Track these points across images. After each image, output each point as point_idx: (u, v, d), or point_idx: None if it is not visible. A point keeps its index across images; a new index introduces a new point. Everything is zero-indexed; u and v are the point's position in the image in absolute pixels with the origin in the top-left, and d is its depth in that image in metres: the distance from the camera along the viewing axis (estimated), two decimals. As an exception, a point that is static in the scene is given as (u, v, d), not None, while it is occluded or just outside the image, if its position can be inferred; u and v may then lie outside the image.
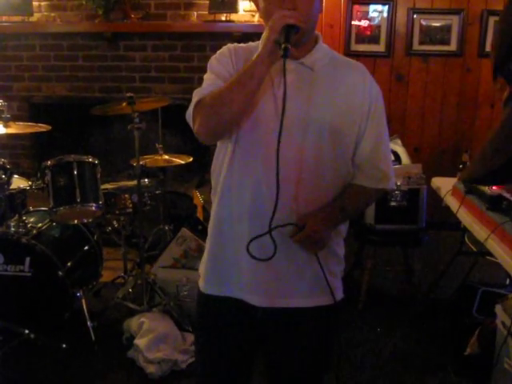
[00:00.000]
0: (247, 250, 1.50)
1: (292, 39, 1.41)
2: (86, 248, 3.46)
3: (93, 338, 3.07)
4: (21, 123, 3.49)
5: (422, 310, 3.51)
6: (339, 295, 1.72)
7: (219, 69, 1.61)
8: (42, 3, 4.80)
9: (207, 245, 1.75)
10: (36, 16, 4.79)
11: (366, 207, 3.00)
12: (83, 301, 3.19)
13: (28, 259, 3.03)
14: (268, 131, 1.52)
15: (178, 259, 3.44)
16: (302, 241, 1.56)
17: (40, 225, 3.27)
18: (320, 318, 1.70)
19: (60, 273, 3.05)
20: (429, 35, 4.78)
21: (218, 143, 1.68)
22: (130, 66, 4.88)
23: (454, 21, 4.72)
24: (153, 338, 2.96)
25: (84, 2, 4.62)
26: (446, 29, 4.76)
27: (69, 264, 3.19)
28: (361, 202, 1.77)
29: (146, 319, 3.06)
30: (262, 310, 1.63)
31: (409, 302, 3.64)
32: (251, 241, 1.50)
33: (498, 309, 2.50)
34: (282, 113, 1.39)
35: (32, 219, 3.33)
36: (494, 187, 2.49)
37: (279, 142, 1.39)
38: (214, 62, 1.65)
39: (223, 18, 4.60)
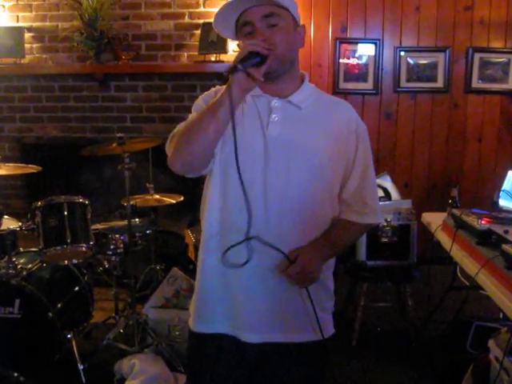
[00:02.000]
0: (222, 259, 1.54)
1: (250, 64, 1.44)
2: (77, 289, 3.43)
3: (83, 380, 3.02)
4: (11, 164, 3.51)
5: (415, 346, 3.49)
6: (330, 330, 1.73)
7: (203, 108, 1.64)
8: (34, 45, 4.86)
9: (197, 283, 1.75)
10: (28, 58, 4.84)
11: (354, 241, 3.07)
12: (74, 342, 3.14)
13: (18, 301, 2.99)
14: (256, 169, 1.56)
15: (169, 299, 3.42)
16: (293, 275, 1.56)
17: (30, 266, 3.25)
18: (311, 353, 1.70)
19: (50, 314, 3.02)
20: (416, 72, 4.86)
21: (206, 183, 1.69)
22: (121, 106, 4.92)
23: (440, 58, 4.81)
24: (144, 379, 2.91)
25: (75, 44, 4.67)
26: (433, 66, 4.84)
27: (59, 305, 3.16)
28: (350, 237, 1.79)
29: (137, 360, 3.02)
30: (253, 345, 1.63)
31: (402, 337, 3.61)
32: (228, 249, 1.54)
33: (491, 343, 2.49)
34: (234, 138, 1.46)
35: (22, 260, 3.31)
36: (483, 222, 2.51)
37: (239, 168, 1.48)
38: (199, 101, 1.72)
39: (213, 59, 4.67)
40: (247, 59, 1.44)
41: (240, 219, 1.54)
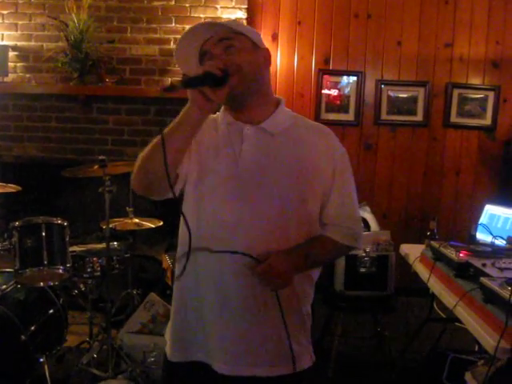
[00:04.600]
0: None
1: (201, 85, 1.43)
2: (51, 312, 3.37)
3: (54, 406, 2.97)
4: (-11, 183, 3.46)
5: (392, 377, 3.48)
6: (307, 363, 1.70)
7: None
8: (18, 64, 4.85)
9: (172, 310, 1.74)
10: (11, 76, 4.82)
11: (331, 260, 2.90)
12: (46, 366, 3.08)
13: (-10, 322, 2.94)
14: (229, 198, 1.57)
15: (145, 324, 3.37)
16: (262, 273, 1.53)
17: (4, 287, 3.19)
18: None
19: (23, 337, 2.96)
20: (396, 106, 4.94)
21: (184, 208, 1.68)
22: (103, 128, 4.91)
23: (420, 92, 4.91)
24: (117, 406, 2.87)
25: (60, 65, 4.67)
26: (413, 100, 4.93)
27: (32, 328, 3.10)
28: (327, 253, 1.73)
29: (110, 386, 2.97)
30: (225, 376, 1.60)
31: (379, 368, 3.60)
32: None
33: (468, 376, 2.49)
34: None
35: (-4, 281, 3.26)
36: (461, 254, 2.53)
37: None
38: None
39: (197, 85, 4.68)
40: (200, 80, 1.43)
41: (212, 238, 1.56)
